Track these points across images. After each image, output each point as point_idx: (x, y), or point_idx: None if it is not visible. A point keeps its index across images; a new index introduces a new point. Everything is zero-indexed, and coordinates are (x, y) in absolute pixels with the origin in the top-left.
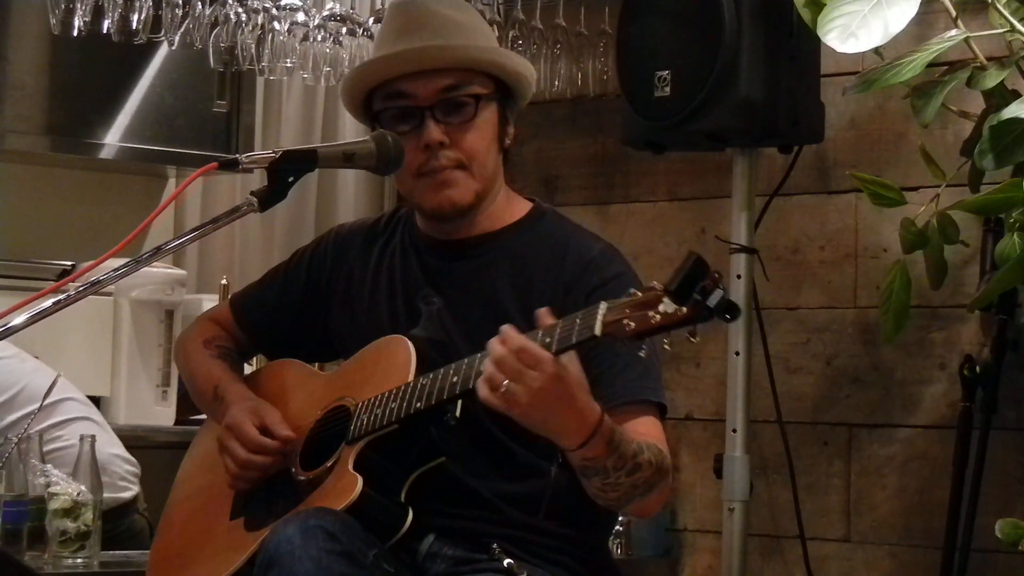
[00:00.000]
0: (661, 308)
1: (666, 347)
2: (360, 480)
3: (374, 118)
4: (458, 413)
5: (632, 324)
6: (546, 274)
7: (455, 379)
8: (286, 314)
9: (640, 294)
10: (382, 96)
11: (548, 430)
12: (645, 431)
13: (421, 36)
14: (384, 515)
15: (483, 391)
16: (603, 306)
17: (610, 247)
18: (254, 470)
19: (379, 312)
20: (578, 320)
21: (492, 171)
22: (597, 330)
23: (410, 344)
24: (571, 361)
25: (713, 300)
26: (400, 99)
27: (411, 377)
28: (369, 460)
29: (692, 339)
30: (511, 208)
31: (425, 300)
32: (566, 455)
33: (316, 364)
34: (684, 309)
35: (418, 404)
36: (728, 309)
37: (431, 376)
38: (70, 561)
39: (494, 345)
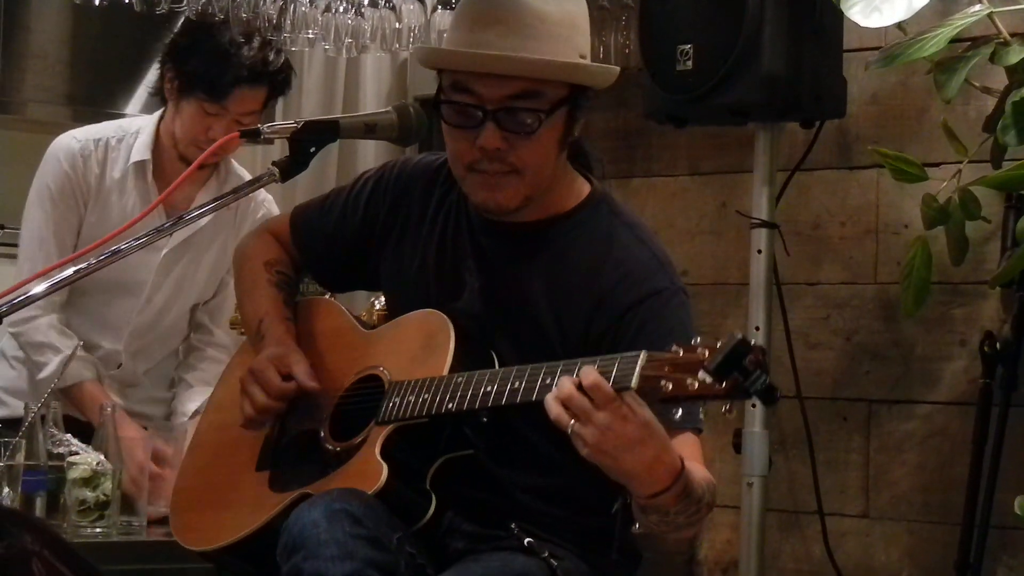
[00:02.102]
0: (700, 376)
1: (725, 414)
2: (385, 469)
3: (437, 98)
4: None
5: (669, 386)
6: (583, 279)
7: (489, 389)
8: (340, 245)
9: (682, 352)
10: (449, 83)
11: (619, 475)
12: (689, 454)
13: (500, 33)
14: (408, 503)
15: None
16: (643, 357)
17: (655, 256)
18: (269, 415)
19: (427, 272)
20: (616, 366)
21: (549, 176)
22: (633, 383)
23: (452, 330)
24: (642, 407)
25: (753, 385)
26: (465, 94)
27: (447, 369)
28: (397, 446)
29: (728, 414)
30: (567, 195)
31: (469, 272)
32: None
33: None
34: (723, 385)
35: (450, 405)
36: (768, 394)
37: (466, 377)
38: (88, 531)
39: (563, 382)
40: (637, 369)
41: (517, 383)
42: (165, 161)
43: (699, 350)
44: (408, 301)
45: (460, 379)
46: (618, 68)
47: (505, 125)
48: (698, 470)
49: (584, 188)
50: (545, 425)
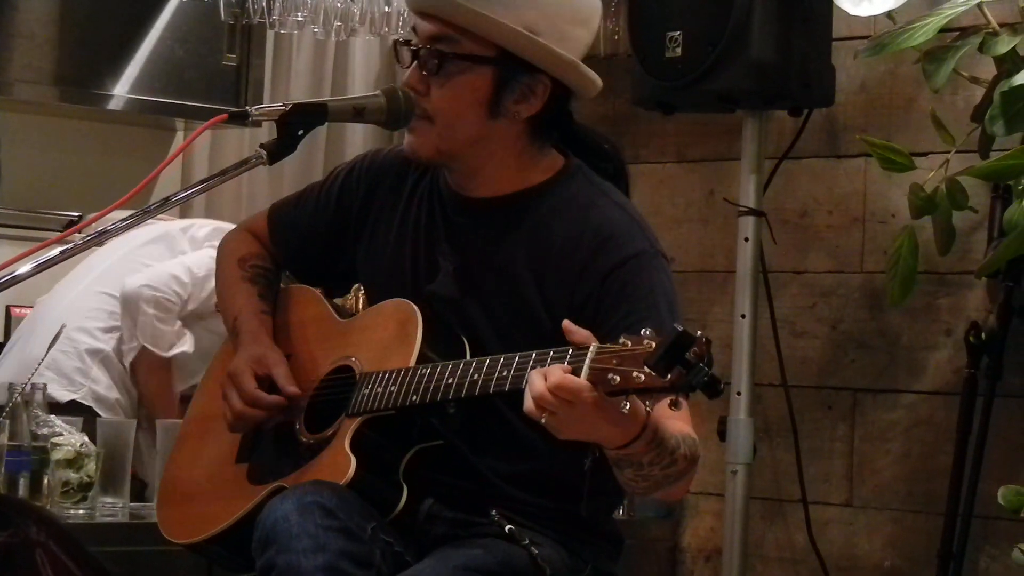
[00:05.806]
0: (647, 369)
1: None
2: (353, 462)
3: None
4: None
5: (616, 379)
6: (563, 248)
7: (450, 381)
8: (315, 240)
9: (630, 344)
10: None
11: (592, 440)
12: (678, 416)
13: None
14: (379, 495)
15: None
16: (592, 350)
17: (633, 220)
18: (249, 420)
19: (402, 259)
20: (568, 357)
21: (466, 135)
22: (583, 376)
23: (420, 319)
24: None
25: (695, 377)
26: (412, 33)
27: (414, 360)
28: (366, 438)
29: (674, 408)
30: (536, 168)
31: (444, 256)
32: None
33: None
34: (667, 379)
35: (414, 398)
36: (710, 386)
37: (430, 369)
38: (72, 512)
39: (535, 380)
40: (586, 363)
41: (476, 375)
42: None
43: (646, 342)
44: (385, 290)
45: (424, 371)
46: (570, 56)
47: (421, 64)
48: (675, 424)
49: (557, 161)
50: (516, 404)
